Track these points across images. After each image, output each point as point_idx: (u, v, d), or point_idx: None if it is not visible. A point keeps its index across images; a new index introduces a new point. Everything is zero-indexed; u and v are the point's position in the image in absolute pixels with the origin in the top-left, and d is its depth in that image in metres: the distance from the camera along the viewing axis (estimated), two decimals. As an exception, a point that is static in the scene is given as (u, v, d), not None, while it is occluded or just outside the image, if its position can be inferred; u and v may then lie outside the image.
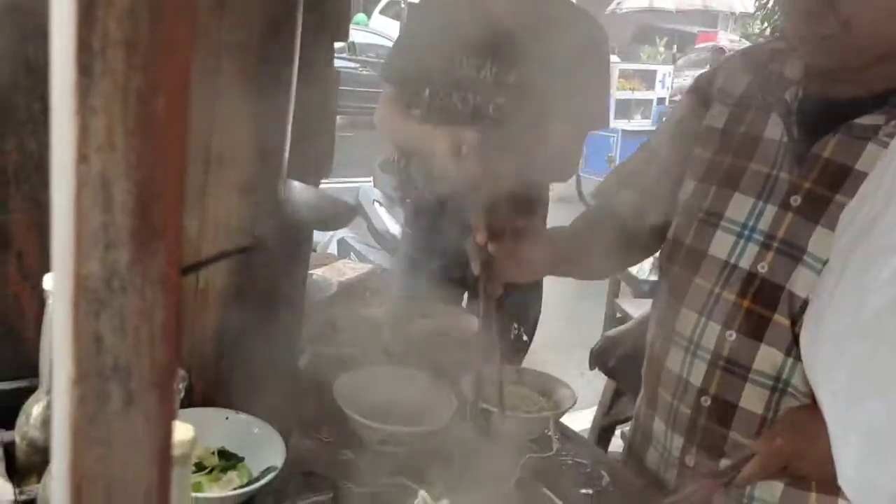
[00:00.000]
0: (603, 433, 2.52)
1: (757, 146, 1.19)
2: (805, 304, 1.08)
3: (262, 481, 1.02)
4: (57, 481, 0.33)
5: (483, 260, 1.16)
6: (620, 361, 2.12)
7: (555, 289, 2.41)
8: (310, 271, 1.54)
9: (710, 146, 1.25)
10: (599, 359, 2.26)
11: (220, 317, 1.14)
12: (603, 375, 2.42)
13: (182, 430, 0.57)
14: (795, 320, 1.09)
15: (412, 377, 1.31)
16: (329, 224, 1.09)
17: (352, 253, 3.09)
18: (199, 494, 1.01)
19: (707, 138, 1.26)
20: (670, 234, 1.28)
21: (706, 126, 1.26)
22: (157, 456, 0.33)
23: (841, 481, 0.71)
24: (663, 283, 1.31)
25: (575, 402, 1.29)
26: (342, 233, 3.15)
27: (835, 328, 0.74)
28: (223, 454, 1.09)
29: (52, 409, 0.37)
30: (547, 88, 1.80)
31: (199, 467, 1.06)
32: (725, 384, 1.16)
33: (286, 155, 1.00)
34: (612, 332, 2.25)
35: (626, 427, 2.52)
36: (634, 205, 1.32)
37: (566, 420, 1.43)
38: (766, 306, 1.13)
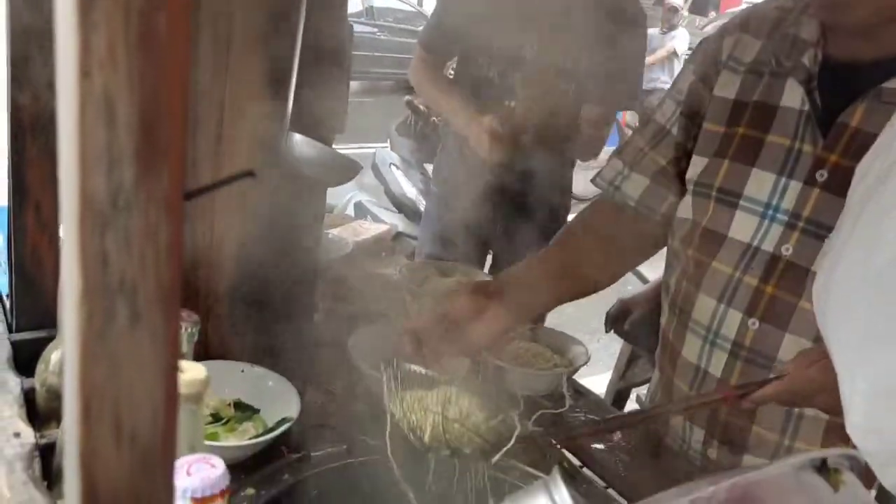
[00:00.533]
0: (618, 396, 2.52)
1: (774, 116, 1.10)
2: None
3: (277, 432, 1.04)
4: (68, 399, 0.34)
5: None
6: (636, 324, 2.11)
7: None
8: (325, 231, 1.55)
9: (721, 118, 1.15)
10: (615, 322, 2.25)
11: (235, 271, 1.15)
12: (619, 339, 2.42)
13: (195, 370, 0.58)
14: None
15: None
16: (331, 179, 1.08)
17: (368, 216, 3.10)
18: (215, 443, 1.03)
19: (717, 110, 1.16)
20: (682, 213, 1.20)
21: (715, 97, 1.17)
22: (163, 375, 0.34)
23: (849, 429, 0.71)
24: (674, 266, 1.23)
25: (588, 360, 1.30)
26: (359, 196, 3.16)
27: (846, 278, 0.73)
28: (239, 406, 1.11)
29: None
30: (584, 69, 1.79)
31: (216, 418, 1.08)
32: (748, 375, 1.08)
33: (289, 107, 1.00)
34: (627, 294, 2.25)
35: (642, 390, 2.53)
36: (645, 191, 1.25)
37: (582, 384, 1.43)
38: (792, 292, 1.06)
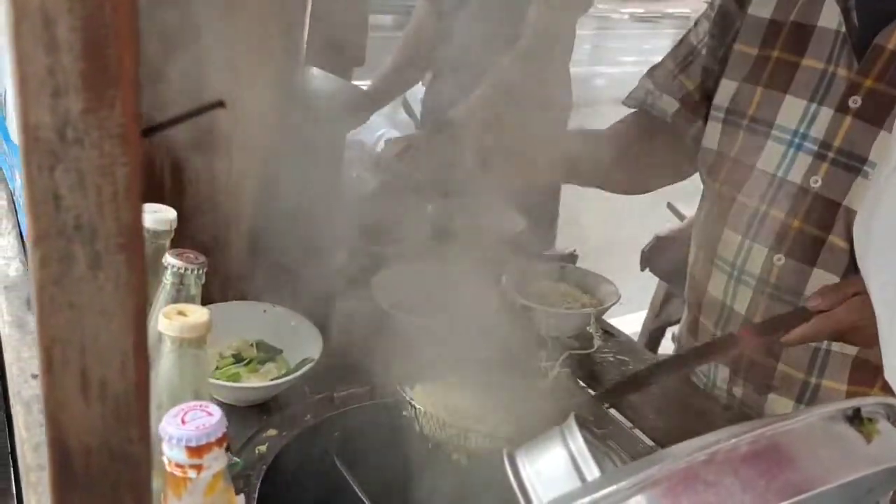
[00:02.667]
0: (653, 336, 2.49)
1: (810, 38, 1.03)
2: None
3: (299, 372, 1.03)
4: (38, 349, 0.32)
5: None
6: (671, 262, 2.07)
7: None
8: (350, 169, 1.52)
9: (755, 40, 1.09)
10: (650, 259, 2.21)
11: (255, 211, 1.13)
12: (655, 277, 2.38)
13: (198, 313, 0.56)
14: (853, 242, 0.96)
15: (452, 273, 1.29)
16: (350, 114, 1.05)
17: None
18: (237, 384, 1.02)
19: (751, 31, 1.10)
20: (710, 143, 1.15)
21: (750, 16, 1.10)
22: (130, 322, 0.31)
23: (888, 374, 0.68)
24: (706, 200, 1.19)
25: (619, 299, 1.26)
26: (391, 132, 3.11)
27: (890, 214, 0.68)
28: (261, 346, 1.10)
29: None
30: None
31: (238, 359, 1.08)
32: (773, 312, 1.04)
33: (304, 39, 0.96)
34: (663, 231, 2.20)
35: (678, 328, 2.50)
36: (675, 113, 1.21)
37: (617, 323, 1.40)
38: (820, 227, 1.01)
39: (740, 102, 1.09)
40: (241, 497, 0.51)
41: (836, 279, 1.00)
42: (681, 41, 1.24)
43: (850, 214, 0.97)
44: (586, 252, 2.48)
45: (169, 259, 0.65)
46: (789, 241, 1.03)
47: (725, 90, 1.12)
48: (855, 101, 0.98)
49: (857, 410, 0.49)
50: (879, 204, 0.71)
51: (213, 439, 0.46)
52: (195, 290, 0.66)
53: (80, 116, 0.27)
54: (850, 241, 0.96)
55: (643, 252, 2.28)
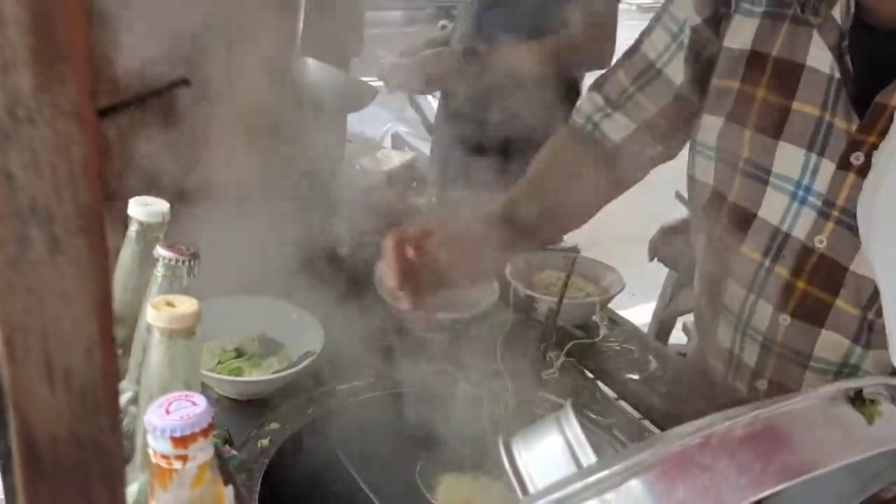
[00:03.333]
0: (664, 325, 2.48)
1: (798, 78, 0.93)
2: (877, 289, 0.85)
3: (301, 366, 1.02)
4: (1, 338, 0.31)
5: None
6: (679, 251, 2.06)
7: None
8: (354, 160, 1.51)
9: (734, 72, 0.98)
10: (658, 249, 2.20)
11: (252, 203, 1.12)
12: (664, 268, 2.36)
13: (186, 304, 0.55)
14: (866, 307, 0.91)
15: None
16: (347, 105, 1.04)
17: (406, 147, 3.05)
18: (240, 378, 1.02)
19: (729, 63, 0.99)
20: (704, 177, 1.05)
21: (726, 48, 1.00)
22: (94, 309, 0.30)
23: (894, 359, 0.66)
24: (704, 239, 1.10)
25: (623, 288, 1.25)
26: (396, 127, 3.10)
27: (892, 196, 0.67)
28: (263, 340, 1.10)
29: None
30: None
31: (240, 353, 1.07)
32: (782, 370, 1.00)
33: (299, 29, 0.95)
34: (670, 221, 2.18)
35: (689, 317, 2.48)
36: (629, 136, 1.11)
37: (627, 314, 1.39)
38: (827, 289, 0.94)
39: (730, 142, 1.00)
40: (230, 488, 0.50)
41: (846, 340, 0.94)
42: (632, 51, 1.12)
43: (859, 280, 0.91)
44: (595, 244, 2.46)
45: (160, 251, 0.65)
46: (795, 301, 0.97)
47: (710, 127, 1.03)
48: (857, 158, 0.89)
49: (859, 391, 0.47)
50: (880, 187, 0.69)
51: (197, 429, 0.45)
52: (187, 282, 0.65)
53: (32, 94, 0.27)
54: (860, 306, 0.91)
55: (651, 242, 2.26)
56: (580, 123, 1.16)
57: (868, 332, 0.92)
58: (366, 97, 1.03)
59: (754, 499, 0.41)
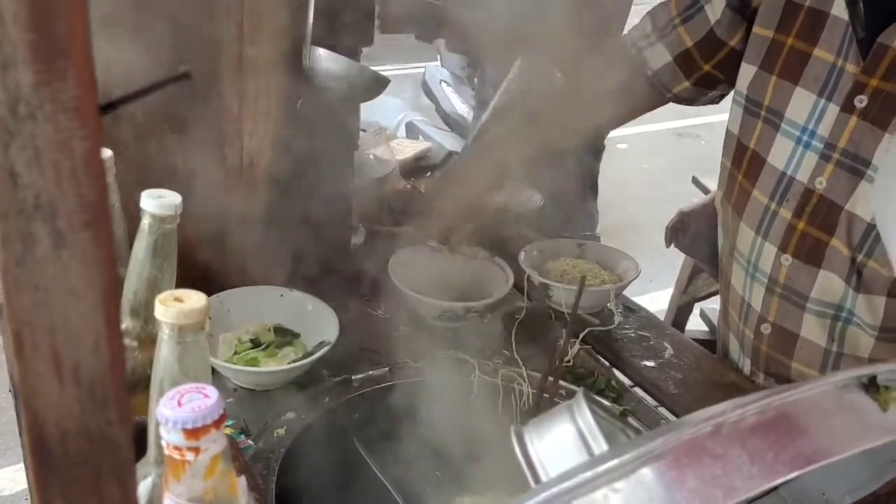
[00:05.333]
0: (681, 312, 2.46)
1: (823, 27, 0.97)
2: (870, 228, 0.92)
3: (316, 355, 1.03)
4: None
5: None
6: (695, 237, 2.04)
7: (635, 167, 2.33)
8: (367, 150, 1.51)
9: (771, 21, 1.04)
10: (675, 235, 2.18)
11: (269, 195, 1.12)
12: (681, 254, 2.34)
13: (194, 298, 0.55)
14: (856, 248, 0.94)
15: (469, 252, 1.27)
16: (358, 95, 1.04)
17: (420, 136, 3.04)
18: (256, 369, 1.03)
19: (768, 11, 1.05)
20: (733, 126, 1.12)
21: None
22: (100, 303, 0.30)
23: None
24: (727, 185, 1.15)
25: (638, 274, 1.24)
26: (410, 115, 3.09)
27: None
28: (278, 330, 1.10)
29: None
30: None
31: (256, 343, 1.08)
32: (784, 312, 1.05)
33: (310, 19, 0.94)
34: (687, 206, 2.16)
35: (706, 304, 2.46)
36: (663, 67, 1.18)
37: (645, 301, 1.38)
38: (823, 229, 0.98)
39: (758, 91, 1.06)
40: (243, 479, 0.50)
41: (841, 281, 0.98)
42: None
43: (852, 219, 0.95)
44: (612, 231, 2.45)
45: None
46: (795, 242, 1.02)
47: (745, 75, 1.08)
48: (861, 101, 0.93)
49: (873, 378, 0.47)
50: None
51: (209, 421, 0.45)
52: (173, 235, 0.68)
53: (32, 90, 0.27)
54: (851, 246, 0.95)
55: (668, 228, 2.24)
56: (626, 47, 1.22)
57: (858, 276, 0.96)
58: (378, 87, 1.02)
59: (766, 487, 0.41)
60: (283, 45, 1.00)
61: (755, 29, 1.07)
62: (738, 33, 1.11)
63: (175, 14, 0.95)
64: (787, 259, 1.03)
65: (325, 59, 0.97)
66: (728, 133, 1.13)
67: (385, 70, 1.10)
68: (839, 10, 0.95)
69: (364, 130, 1.59)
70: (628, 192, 2.26)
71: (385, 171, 1.50)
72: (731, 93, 1.15)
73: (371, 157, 1.53)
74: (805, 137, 0.99)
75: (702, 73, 1.16)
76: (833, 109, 0.95)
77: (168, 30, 0.95)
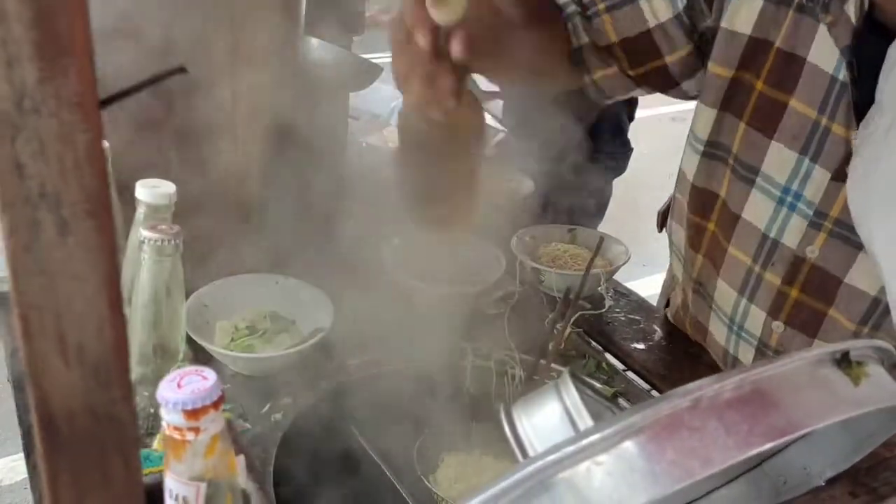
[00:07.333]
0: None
1: (800, 74, 0.85)
2: (874, 302, 0.85)
3: (311, 342, 1.04)
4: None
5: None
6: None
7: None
8: (360, 138, 1.52)
9: (731, 60, 0.92)
10: (667, 219, 2.19)
11: (263, 183, 1.14)
12: (673, 238, 2.36)
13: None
14: (860, 321, 0.88)
15: (460, 238, 1.29)
16: (351, 83, 1.05)
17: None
18: (252, 355, 1.04)
19: (726, 47, 0.92)
20: (689, 172, 1.01)
21: (724, 30, 0.92)
22: (103, 287, 0.32)
23: None
24: (692, 231, 1.06)
25: (628, 259, 1.27)
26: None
27: (892, 169, 0.67)
28: (274, 317, 1.11)
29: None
30: None
31: (252, 330, 1.09)
32: None
33: (303, 9, 0.96)
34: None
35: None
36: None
37: (639, 285, 1.40)
38: (821, 300, 0.91)
39: (724, 136, 0.95)
40: (241, 457, 0.52)
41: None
42: None
43: (853, 293, 0.88)
44: (605, 216, 2.47)
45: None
46: (788, 310, 0.95)
47: (702, 118, 0.98)
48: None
49: (846, 353, 0.49)
50: (878, 163, 0.69)
51: (208, 402, 0.47)
52: (176, 261, 0.68)
53: (37, 86, 0.28)
54: (854, 320, 0.89)
55: (660, 213, 2.26)
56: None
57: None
58: (370, 75, 1.04)
59: (741, 458, 0.43)
60: (276, 35, 1.01)
61: (711, 67, 0.95)
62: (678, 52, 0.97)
63: (168, 7, 0.96)
64: (778, 326, 0.96)
65: (317, 49, 0.98)
66: (681, 174, 1.05)
67: (377, 58, 1.11)
68: (819, 58, 0.84)
69: (356, 118, 1.60)
70: (621, 177, 2.28)
71: (377, 159, 1.51)
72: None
73: (364, 144, 1.55)
74: (789, 199, 0.90)
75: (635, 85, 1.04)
76: (821, 173, 0.86)
77: (161, 22, 0.96)
